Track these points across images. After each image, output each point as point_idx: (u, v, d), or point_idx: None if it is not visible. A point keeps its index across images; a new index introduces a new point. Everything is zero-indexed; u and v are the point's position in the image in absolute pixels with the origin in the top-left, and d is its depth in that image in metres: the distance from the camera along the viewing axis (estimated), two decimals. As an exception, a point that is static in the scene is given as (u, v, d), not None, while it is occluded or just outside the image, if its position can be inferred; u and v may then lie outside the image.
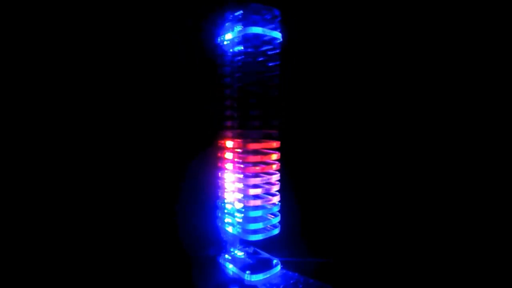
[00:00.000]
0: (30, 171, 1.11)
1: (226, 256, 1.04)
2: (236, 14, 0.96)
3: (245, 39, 0.96)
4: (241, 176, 0.98)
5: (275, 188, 1.01)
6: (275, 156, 1.00)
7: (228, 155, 1.02)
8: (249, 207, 0.97)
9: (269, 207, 1.00)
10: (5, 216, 1.07)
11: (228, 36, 0.99)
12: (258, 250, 1.08)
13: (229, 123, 1.01)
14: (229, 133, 1.01)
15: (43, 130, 1.13)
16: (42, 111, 1.13)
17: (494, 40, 1.14)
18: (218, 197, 1.06)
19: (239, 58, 0.98)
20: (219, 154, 1.04)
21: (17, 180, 1.10)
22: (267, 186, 1.00)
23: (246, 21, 0.94)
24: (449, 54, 1.18)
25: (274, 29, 0.97)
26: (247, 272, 0.96)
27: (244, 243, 1.08)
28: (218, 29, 1.02)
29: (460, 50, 1.17)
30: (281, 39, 0.99)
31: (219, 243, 1.03)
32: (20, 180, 1.11)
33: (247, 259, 1.04)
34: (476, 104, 1.16)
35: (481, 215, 1.15)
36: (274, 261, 1.02)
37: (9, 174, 1.09)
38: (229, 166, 1.02)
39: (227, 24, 0.99)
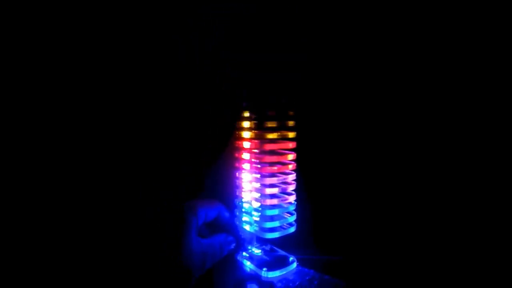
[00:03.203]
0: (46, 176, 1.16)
1: (244, 253, 1.07)
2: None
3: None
4: (258, 176, 1.01)
5: (291, 187, 1.04)
6: (291, 156, 1.03)
7: (245, 156, 1.05)
8: (266, 206, 1.00)
9: (285, 206, 1.03)
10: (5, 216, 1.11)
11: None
12: (275, 248, 1.11)
13: (246, 125, 1.04)
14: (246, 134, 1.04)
15: (57, 140, 1.17)
16: (49, 116, 1.17)
17: (494, 40, 1.14)
18: (236, 197, 1.09)
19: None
20: (236, 155, 1.07)
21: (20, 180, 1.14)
22: (283, 186, 1.02)
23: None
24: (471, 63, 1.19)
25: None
26: (264, 269, 0.99)
27: (261, 241, 1.11)
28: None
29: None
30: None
31: (237, 241, 1.06)
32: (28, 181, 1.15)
33: (264, 256, 1.07)
34: (483, 106, 1.17)
35: (492, 214, 1.15)
36: (290, 259, 1.05)
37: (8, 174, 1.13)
38: (246, 166, 1.05)
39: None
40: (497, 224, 1.14)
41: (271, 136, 1.00)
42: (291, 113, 1.05)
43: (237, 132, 1.06)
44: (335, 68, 1.30)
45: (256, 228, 1.02)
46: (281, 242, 1.08)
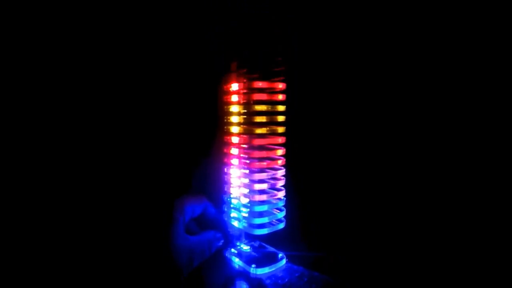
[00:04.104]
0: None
1: (233, 250, 1.06)
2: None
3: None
4: (247, 171, 1.00)
5: (281, 183, 1.03)
6: (280, 152, 1.02)
7: (234, 151, 1.03)
8: (254, 202, 0.99)
9: (274, 202, 1.02)
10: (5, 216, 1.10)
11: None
12: (264, 244, 1.10)
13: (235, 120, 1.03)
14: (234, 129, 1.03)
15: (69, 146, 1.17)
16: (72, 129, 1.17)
17: (494, 40, 1.14)
18: (224, 192, 1.07)
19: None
20: (225, 150, 1.06)
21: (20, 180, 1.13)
22: (272, 181, 1.01)
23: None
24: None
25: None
26: (253, 265, 0.98)
27: (250, 238, 1.10)
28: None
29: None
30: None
31: (226, 237, 1.04)
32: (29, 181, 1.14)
33: (252, 253, 1.06)
34: (476, 104, 1.17)
35: (473, 213, 1.15)
36: (279, 255, 1.04)
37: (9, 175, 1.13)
38: (235, 161, 1.03)
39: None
40: (481, 221, 1.14)
41: (260, 131, 0.99)
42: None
43: (225, 119, 1.05)
44: (324, 65, 1.30)
45: (245, 225, 1.01)
46: (270, 238, 1.07)
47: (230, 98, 1.03)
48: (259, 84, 0.99)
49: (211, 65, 1.19)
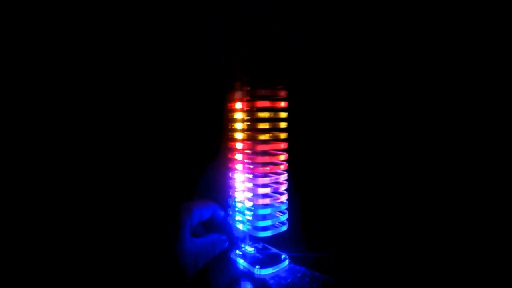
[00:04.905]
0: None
1: (237, 251, 1.09)
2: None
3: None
4: (251, 176, 1.03)
5: (283, 187, 1.06)
6: (283, 157, 1.05)
7: (238, 156, 1.06)
8: (258, 205, 1.02)
9: (277, 205, 1.05)
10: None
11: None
12: (267, 246, 1.13)
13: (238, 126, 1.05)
14: (238, 135, 1.05)
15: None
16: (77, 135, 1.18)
17: (494, 40, 1.16)
18: (229, 196, 1.10)
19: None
20: (229, 156, 1.08)
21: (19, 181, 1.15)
22: (275, 185, 1.04)
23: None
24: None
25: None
26: (257, 266, 1.01)
27: (254, 240, 1.13)
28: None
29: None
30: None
31: (231, 240, 1.07)
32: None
33: (256, 254, 1.09)
34: (478, 105, 1.18)
35: (473, 213, 1.18)
36: (283, 256, 1.07)
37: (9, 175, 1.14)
38: (239, 166, 1.06)
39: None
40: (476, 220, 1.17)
41: (263, 137, 1.01)
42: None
43: (230, 126, 1.07)
44: (325, 66, 1.31)
45: (249, 227, 1.04)
46: (274, 240, 1.11)
47: (234, 105, 1.05)
48: (262, 92, 1.01)
49: (212, 66, 1.20)
